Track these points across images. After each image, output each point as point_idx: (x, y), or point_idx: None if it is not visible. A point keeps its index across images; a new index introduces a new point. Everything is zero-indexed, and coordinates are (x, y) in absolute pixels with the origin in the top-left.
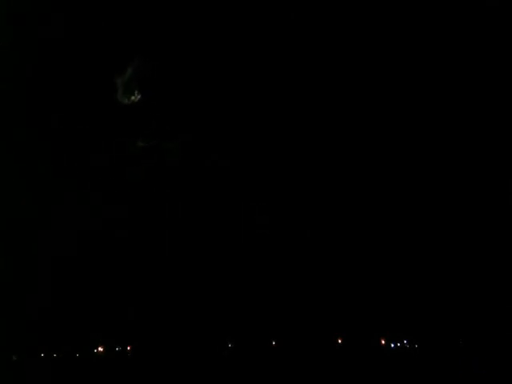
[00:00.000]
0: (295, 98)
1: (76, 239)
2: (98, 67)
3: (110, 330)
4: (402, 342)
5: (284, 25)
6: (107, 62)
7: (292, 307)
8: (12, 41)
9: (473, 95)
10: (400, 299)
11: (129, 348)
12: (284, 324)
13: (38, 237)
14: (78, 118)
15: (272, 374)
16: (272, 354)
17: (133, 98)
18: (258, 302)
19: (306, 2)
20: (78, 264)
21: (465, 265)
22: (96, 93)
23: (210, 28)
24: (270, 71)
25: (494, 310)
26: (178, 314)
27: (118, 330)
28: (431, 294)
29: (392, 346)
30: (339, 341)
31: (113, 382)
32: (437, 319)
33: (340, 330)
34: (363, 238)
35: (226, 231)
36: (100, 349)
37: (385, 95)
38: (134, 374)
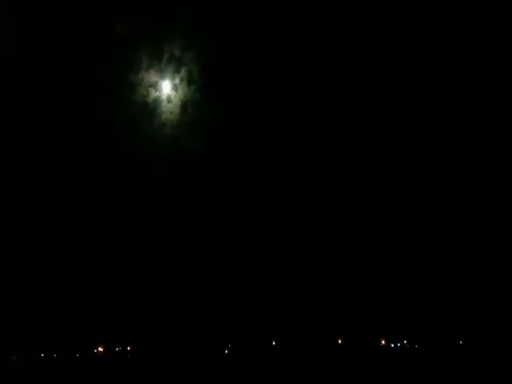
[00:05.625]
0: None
1: (75, 239)
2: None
3: (110, 330)
4: (402, 342)
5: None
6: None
7: (292, 307)
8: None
9: (473, 95)
10: (400, 299)
11: (129, 348)
12: (284, 324)
13: (39, 237)
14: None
15: (272, 374)
16: (272, 353)
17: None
18: (258, 302)
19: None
20: (77, 264)
21: (465, 265)
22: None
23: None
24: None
25: (494, 310)
26: (177, 313)
27: (118, 330)
28: (431, 294)
29: (392, 346)
30: (339, 341)
31: (113, 382)
32: (437, 319)
33: (340, 330)
34: (363, 237)
35: (226, 231)
36: (100, 349)
37: (385, 95)
38: (134, 374)
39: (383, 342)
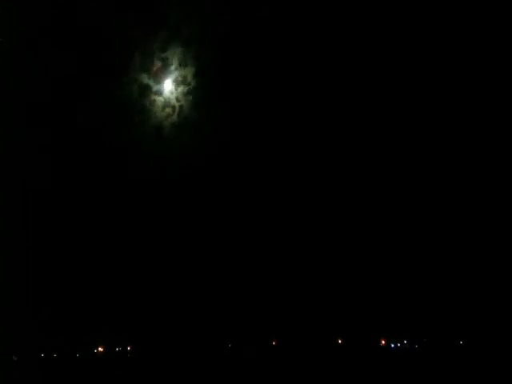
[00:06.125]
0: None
1: (75, 238)
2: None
3: (109, 330)
4: (402, 342)
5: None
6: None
7: (292, 307)
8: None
9: (473, 95)
10: (400, 299)
11: (129, 348)
12: (284, 324)
13: (38, 236)
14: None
15: (272, 374)
16: (272, 353)
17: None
18: (258, 302)
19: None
20: (78, 264)
21: (465, 265)
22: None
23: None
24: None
25: (494, 310)
26: (178, 314)
27: (118, 329)
28: (431, 294)
29: (392, 346)
30: (339, 341)
31: (113, 382)
32: (437, 319)
33: (340, 330)
34: (363, 237)
35: (226, 231)
36: (100, 349)
37: (385, 95)
38: (134, 374)
39: (383, 342)
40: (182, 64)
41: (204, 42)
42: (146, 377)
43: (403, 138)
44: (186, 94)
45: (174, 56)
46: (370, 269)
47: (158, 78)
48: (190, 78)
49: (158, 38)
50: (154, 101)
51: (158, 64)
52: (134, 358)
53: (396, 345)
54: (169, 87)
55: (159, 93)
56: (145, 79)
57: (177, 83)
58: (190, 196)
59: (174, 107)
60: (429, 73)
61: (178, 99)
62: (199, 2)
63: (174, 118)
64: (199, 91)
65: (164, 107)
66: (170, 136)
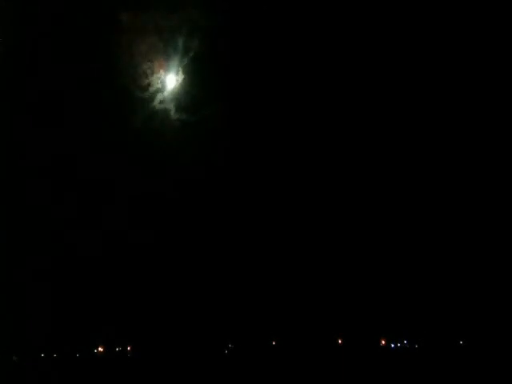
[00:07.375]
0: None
1: (76, 240)
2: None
3: (110, 330)
4: (402, 342)
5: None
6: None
7: (292, 307)
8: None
9: (473, 95)
10: (400, 299)
11: (129, 348)
12: (284, 324)
13: (39, 237)
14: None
15: (272, 374)
16: (272, 353)
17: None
18: (258, 302)
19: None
20: (78, 264)
21: (465, 265)
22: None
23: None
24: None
25: (494, 310)
26: (178, 314)
27: (118, 330)
28: (431, 294)
29: (392, 346)
30: (339, 341)
31: (113, 381)
32: (437, 319)
33: (340, 331)
34: (363, 238)
35: (226, 231)
36: (100, 349)
37: (385, 95)
38: (134, 374)
39: (383, 342)
40: (179, 64)
41: (201, 43)
42: (146, 377)
43: (402, 138)
44: (182, 95)
45: (172, 56)
46: (370, 269)
47: (154, 79)
48: (186, 79)
49: (154, 41)
50: (150, 103)
51: (154, 65)
52: (133, 358)
53: (396, 345)
54: (166, 88)
55: (154, 94)
56: (140, 81)
57: (173, 83)
58: (189, 196)
59: (170, 108)
60: (428, 73)
61: (175, 99)
62: (196, 3)
63: (170, 119)
64: (196, 92)
65: (160, 108)
66: (166, 137)
